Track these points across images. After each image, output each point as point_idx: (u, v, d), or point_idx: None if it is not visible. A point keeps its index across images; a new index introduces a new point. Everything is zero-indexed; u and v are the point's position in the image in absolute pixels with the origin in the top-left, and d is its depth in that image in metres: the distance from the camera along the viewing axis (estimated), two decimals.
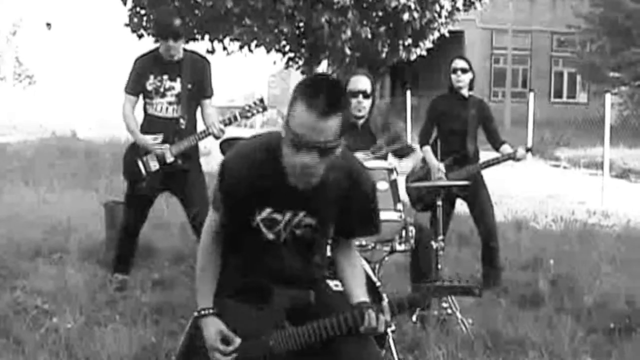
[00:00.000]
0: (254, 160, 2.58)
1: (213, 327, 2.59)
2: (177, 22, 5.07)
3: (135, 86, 5.21)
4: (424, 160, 5.77)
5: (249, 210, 2.61)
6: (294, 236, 2.63)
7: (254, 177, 2.56)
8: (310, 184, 2.49)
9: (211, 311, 2.63)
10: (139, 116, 5.29)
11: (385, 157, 4.58)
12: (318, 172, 2.45)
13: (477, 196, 5.74)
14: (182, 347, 2.76)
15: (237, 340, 2.58)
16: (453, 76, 5.67)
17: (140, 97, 5.24)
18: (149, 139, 5.14)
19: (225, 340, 2.58)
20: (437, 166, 5.51)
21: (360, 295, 2.67)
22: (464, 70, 5.65)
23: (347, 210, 2.64)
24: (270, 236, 2.62)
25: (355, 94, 4.57)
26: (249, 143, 2.69)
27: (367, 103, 4.61)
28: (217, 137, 5.04)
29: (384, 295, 3.74)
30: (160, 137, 5.12)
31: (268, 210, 2.60)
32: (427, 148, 5.68)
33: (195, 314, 2.65)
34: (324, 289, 2.80)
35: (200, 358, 2.62)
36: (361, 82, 4.60)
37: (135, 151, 5.22)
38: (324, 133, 2.34)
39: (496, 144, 5.80)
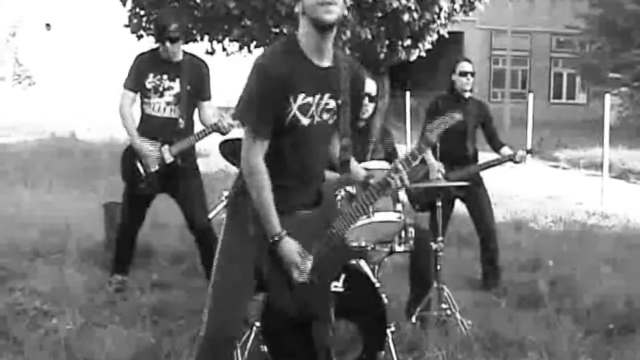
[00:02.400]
0: (280, 53, 2.89)
1: (292, 246, 2.90)
2: (175, 25, 5.04)
3: (135, 83, 5.20)
4: (423, 160, 5.78)
5: (287, 101, 2.85)
6: (321, 120, 2.94)
7: (285, 68, 2.83)
8: (333, 15, 2.78)
9: (284, 233, 2.89)
10: (137, 116, 5.28)
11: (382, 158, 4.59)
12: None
13: (476, 197, 5.74)
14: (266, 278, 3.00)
15: (309, 256, 2.95)
16: (462, 79, 5.65)
17: (138, 95, 5.23)
18: (146, 146, 5.12)
19: (302, 257, 2.93)
20: (437, 167, 5.51)
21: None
22: (472, 74, 5.67)
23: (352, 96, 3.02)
24: (306, 121, 2.90)
25: None
26: (270, 48, 2.99)
27: (371, 106, 4.62)
28: (223, 133, 5.01)
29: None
30: (158, 144, 5.10)
31: (302, 95, 2.87)
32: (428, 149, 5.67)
33: (270, 240, 2.88)
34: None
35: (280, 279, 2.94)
36: (369, 85, 4.60)
37: (133, 152, 5.21)
38: None
39: (495, 146, 5.80)
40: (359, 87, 3.11)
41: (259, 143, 2.88)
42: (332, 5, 2.77)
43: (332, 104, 2.95)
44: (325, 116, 2.96)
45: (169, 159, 5.10)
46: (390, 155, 4.69)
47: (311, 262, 2.95)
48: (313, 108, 2.91)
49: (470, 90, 5.74)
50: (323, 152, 3.06)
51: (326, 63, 2.93)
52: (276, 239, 2.88)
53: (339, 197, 4.01)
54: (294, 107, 2.86)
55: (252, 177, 2.88)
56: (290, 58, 2.86)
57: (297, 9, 2.89)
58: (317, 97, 2.91)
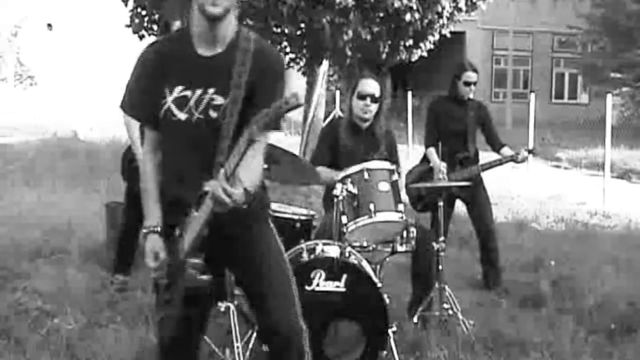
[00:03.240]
0: (164, 41, 2.82)
1: (150, 245, 2.74)
2: (178, 23, 5.04)
3: None
4: (425, 160, 5.78)
5: (161, 91, 2.65)
6: (206, 119, 2.62)
7: (164, 54, 2.69)
8: (218, 8, 2.54)
9: (153, 229, 2.75)
10: None
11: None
12: None
13: (476, 197, 5.74)
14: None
15: (162, 255, 2.72)
16: (466, 88, 5.65)
17: None
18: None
19: (157, 256, 2.73)
20: (440, 167, 5.51)
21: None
22: (476, 84, 5.68)
23: (255, 91, 2.61)
24: (182, 116, 2.63)
25: (364, 96, 4.58)
26: (164, 36, 2.92)
27: (374, 107, 4.62)
28: None
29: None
30: None
31: (179, 88, 2.64)
32: (432, 150, 5.66)
33: (143, 231, 2.77)
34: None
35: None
36: (371, 85, 4.61)
37: (133, 152, 5.20)
38: None
39: (496, 146, 5.79)
40: (267, 75, 2.64)
41: (146, 130, 2.80)
42: None
43: (220, 100, 2.60)
44: (212, 114, 2.61)
45: None
46: (392, 156, 4.70)
47: (159, 264, 2.73)
48: (191, 103, 2.62)
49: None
50: (208, 152, 2.59)
51: (215, 52, 2.64)
52: (144, 230, 2.77)
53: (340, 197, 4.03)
54: (169, 100, 2.64)
55: (140, 162, 2.84)
56: (174, 46, 2.71)
57: None
58: (199, 91, 2.62)
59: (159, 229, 2.74)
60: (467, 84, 5.65)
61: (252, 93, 2.60)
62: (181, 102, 2.63)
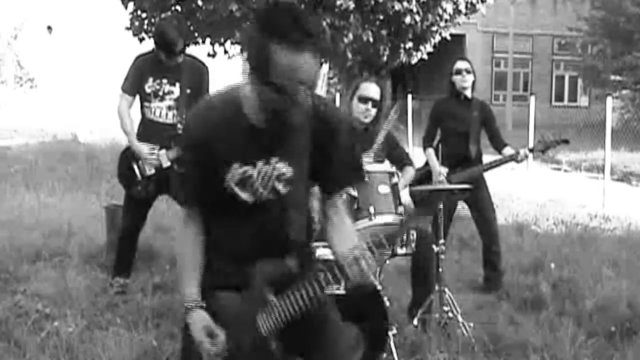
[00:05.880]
0: (215, 109, 2.39)
1: (199, 322, 2.43)
2: (180, 42, 4.99)
3: (133, 86, 5.18)
4: (427, 164, 5.78)
5: (220, 170, 2.37)
6: (276, 194, 2.40)
7: (218, 128, 2.35)
8: (301, 93, 2.19)
9: (196, 304, 2.46)
10: (136, 118, 5.27)
11: (382, 161, 4.59)
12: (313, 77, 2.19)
13: (479, 200, 5.74)
14: (181, 345, 2.67)
15: (221, 334, 2.41)
16: (458, 77, 5.66)
17: (137, 99, 5.22)
18: (144, 149, 5.11)
19: (211, 334, 2.42)
20: (439, 170, 5.51)
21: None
22: (468, 71, 5.66)
23: (323, 155, 2.41)
24: (247, 197, 2.39)
25: (365, 100, 4.58)
26: (209, 99, 2.51)
27: (374, 111, 4.62)
28: None
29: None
30: (157, 148, 5.10)
31: (236, 165, 2.36)
32: (430, 151, 5.67)
33: (186, 305, 2.48)
34: (308, 254, 2.58)
35: (196, 354, 2.49)
36: (372, 90, 4.61)
37: (130, 154, 5.21)
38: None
39: (499, 146, 5.79)
40: (334, 137, 2.42)
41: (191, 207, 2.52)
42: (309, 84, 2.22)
43: (284, 169, 2.40)
44: (281, 188, 2.41)
45: (166, 163, 5.08)
46: (396, 154, 4.69)
47: (220, 344, 2.41)
48: (256, 180, 2.39)
49: (473, 90, 5.74)
50: (282, 224, 2.43)
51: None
52: (187, 305, 2.47)
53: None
54: (229, 180, 2.39)
55: (177, 242, 2.60)
56: (226, 113, 2.37)
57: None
58: (260, 163, 2.38)
59: (200, 303, 2.46)
60: (458, 71, 5.66)
61: (317, 152, 2.41)
62: (245, 181, 2.38)
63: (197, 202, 2.48)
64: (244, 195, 2.39)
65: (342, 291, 3.73)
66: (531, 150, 5.73)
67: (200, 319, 2.43)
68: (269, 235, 2.42)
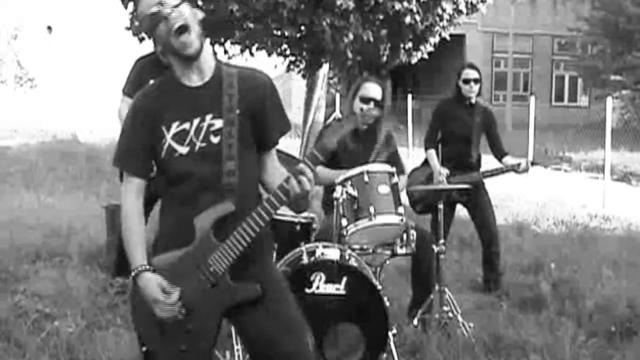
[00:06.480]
0: (150, 86, 2.78)
1: (152, 281, 2.56)
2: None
3: (135, 88, 5.17)
4: (426, 163, 5.78)
5: (160, 132, 2.61)
6: (209, 145, 2.59)
7: (156, 97, 2.67)
8: (191, 46, 2.54)
9: (144, 267, 2.59)
10: None
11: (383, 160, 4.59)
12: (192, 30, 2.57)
13: (478, 201, 5.72)
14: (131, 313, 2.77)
15: (176, 289, 2.56)
16: (465, 87, 5.64)
17: None
18: None
19: (166, 292, 2.55)
20: (440, 170, 5.50)
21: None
22: (476, 81, 5.65)
23: (253, 114, 2.64)
24: (184, 150, 2.59)
25: (367, 100, 4.58)
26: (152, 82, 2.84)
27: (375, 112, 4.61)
28: None
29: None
30: None
31: (176, 123, 2.60)
32: (432, 152, 5.66)
33: (132, 273, 2.60)
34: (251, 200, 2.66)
35: (147, 319, 2.61)
36: (374, 90, 4.61)
37: None
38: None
39: (498, 154, 5.76)
40: (257, 97, 2.66)
41: (129, 179, 2.77)
42: (190, 40, 2.56)
43: (218, 124, 2.59)
44: (215, 139, 2.59)
45: None
46: (392, 158, 4.70)
47: (177, 297, 2.56)
48: (191, 133, 2.59)
49: (479, 94, 5.73)
50: (215, 182, 2.59)
51: (204, 81, 2.64)
52: (133, 273, 2.60)
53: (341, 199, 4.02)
54: (168, 137, 2.60)
55: (122, 217, 2.75)
56: (162, 87, 2.70)
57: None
58: (196, 120, 2.59)
59: (149, 267, 2.60)
60: (466, 81, 5.64)
61: (251, 113, 2.63)
62: (181, 136, 2.60)
63: (133, 164, 2.75)
64: (181, 149, 2.59)
65: (342, 291, 3.74)
66: (533, 163, 5.70)
67: (152, 278, 2.57)
68: (207, 183, 2.58)
